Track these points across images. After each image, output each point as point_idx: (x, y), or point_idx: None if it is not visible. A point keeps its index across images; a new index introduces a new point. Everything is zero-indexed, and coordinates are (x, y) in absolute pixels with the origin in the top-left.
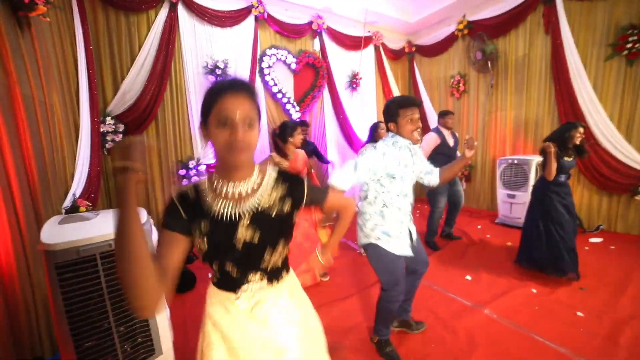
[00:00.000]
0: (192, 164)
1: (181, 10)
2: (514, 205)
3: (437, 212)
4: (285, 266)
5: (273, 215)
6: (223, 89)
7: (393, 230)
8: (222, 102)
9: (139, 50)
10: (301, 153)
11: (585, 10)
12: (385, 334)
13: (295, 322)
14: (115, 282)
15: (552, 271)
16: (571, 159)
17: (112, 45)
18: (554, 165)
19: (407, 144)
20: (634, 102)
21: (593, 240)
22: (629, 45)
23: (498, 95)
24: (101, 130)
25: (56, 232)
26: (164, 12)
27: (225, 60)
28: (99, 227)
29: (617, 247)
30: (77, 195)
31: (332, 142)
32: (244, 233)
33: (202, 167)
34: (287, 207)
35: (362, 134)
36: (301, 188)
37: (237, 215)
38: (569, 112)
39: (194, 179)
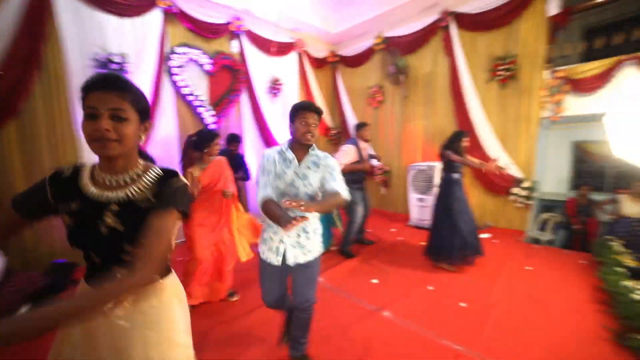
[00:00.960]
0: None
1: None
2: (423, 208)
3: (356, 223)
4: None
5: (142, 208)
6: (91, 84)
7: (265, 234)
8: (90, 97)
9: None
10: (219, 161)
11: (471, 39)
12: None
13: (152, 330)
14: None
15: (460, 258)
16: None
17: None
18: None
19: (290, 157)
20: (506, 120)
21: (482, 235)
22: (500, 73)
23: (410, 107)
24: None
25: None
26: None
27: (122, 54)
28: None
29: (500, 241)
30: None
31: (251, 148)
32: (110, 219)
33: None
34: (149, 205)
35: (283, 139)
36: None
37: (104, 200)
38: (465, 124)
39: None
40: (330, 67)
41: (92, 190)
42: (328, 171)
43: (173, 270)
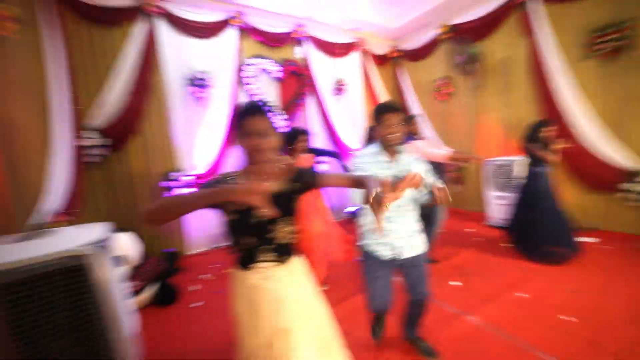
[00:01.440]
0: (174, 175)
1: (160, 23)
2: (503, 206)
3: (438, 224)
4: (293, 249)
5: (286, 196)
6: (247, 112)
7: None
8: (249, 121)
9: (118, 63)
10: (306, 159)
11: (559, 12)
12: (374, 334)
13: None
14: (65, 300)
15: (545, 255)
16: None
17: (88, 59)
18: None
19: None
20: (613, 101)
21: (586, 239)
22: (602, 46)
23: (483, 97)
24: (84, 144)
25: (5, 252)
26: (142, 26)
27: (207, 71)
28: (54, 245)
29: (610, 247)
30: (53, 211)
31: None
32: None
33: (189, 178)
34: (294, 194)
35: (349, 139)
36: (304, 182)
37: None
38: (552, 111)
39: (175, 190)
40: (393, 63)
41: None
42: (424, 169)
43: None
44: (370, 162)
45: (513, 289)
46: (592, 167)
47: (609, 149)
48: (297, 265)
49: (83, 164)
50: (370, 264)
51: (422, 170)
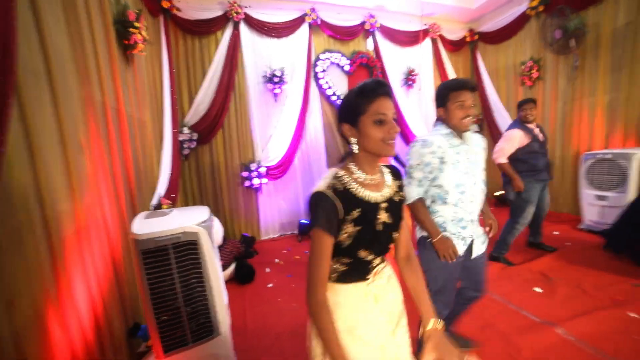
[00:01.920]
0: (253, 166)
1: (243, 28)
2: (606, 208)
3: (521, 225)
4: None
5: (397, 201)
6: (376, 91)
7: (450, 221)
8: (379, 105)
9: (209, 66)
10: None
11: None
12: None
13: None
14: (184, 269)
15: None
16: None
17: (188, 66)
18: None
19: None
20: None
21: None
22: None
23: (584, 79)
24: (180, 139)
25: (142, 225)
26: (228, 31)
27: (281, 68)
28: (172, 222)
29: None
30: (162, 195)
31: None
32: (383, 216)
33: (263, 169)
34: (400, 197)
35: (419, 132)
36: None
37: (378, 201)
38: None
39: (255, 180)
40: (469, 48)
41: (369, 194)
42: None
43: None
44: (445, 148)
45: (616, 306)
46: None
47: None
48: (388, 266)
49: (180, 155)
50: (448, 272)
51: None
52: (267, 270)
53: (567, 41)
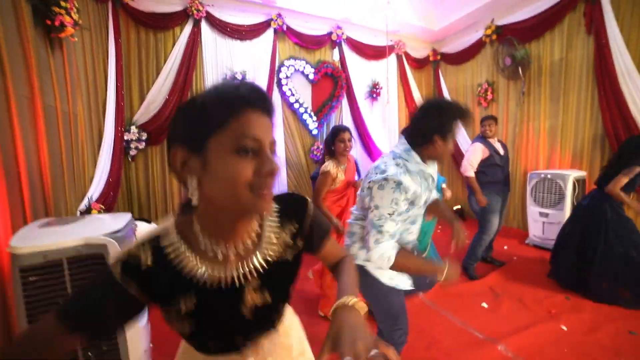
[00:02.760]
0: None
1: (204, 26)
2: (546, 224)
3: (487, 235)
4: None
5: (290, 261)
6: (247, 99)
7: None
8: (248, 119)
9: (164, 63)
10: (352, 160)
11: (637, 6)
12: None
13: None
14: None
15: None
16: None
17: (141, 60)
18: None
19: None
20: None
21: None
22: None
23: (530, 104)
24: (125, 138)
25: (27, 237)
26: (188, 28)
27: (243, 71)
28: (75, 232)
29: None
30: (94, 199)
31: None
32: (251, 299)
33: None
34: (297, 251)
35: (382, 144)
36: (304, 216)
37: (235, 282)
38: (617, 120)
39: None
40: (432, 67)
41: (214, 272)
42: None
43: None
44: (418, 191)
45: (551, 320)
46: None
47: None
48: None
49: (125, 156)
50: (400, 298)
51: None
52: None
53: (516, 68)
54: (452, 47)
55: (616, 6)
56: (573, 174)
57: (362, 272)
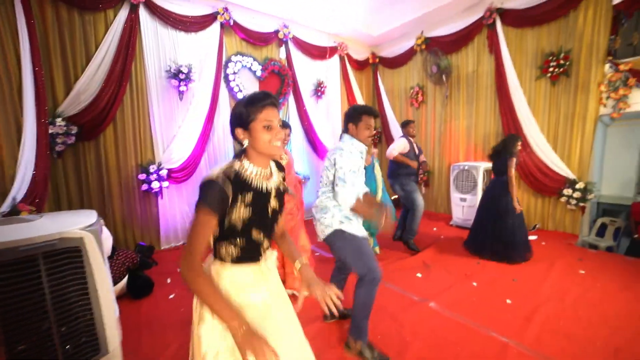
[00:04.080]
0: (152, 168)
1: (143, 13)
2: (466, 208)
3: (419, 210)
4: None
5: (282, 191)
6: (264, 102)
7: (353, 215)
8: (267, 113)
9: (96, 50)
10: (289, 154)
11: (518, 36)
12: (365, 335)
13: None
14: (61, 282)
15: (505, 256)
16: None
17: (64, 44)
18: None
19: (360, 149)
20: (557, 117)
21: (530, 237)
22: (550, 69)
23: (452, 106)
24: (50, 132)
25: None
26: (123, 13)
27: (189, 65)
28: (43, 227)
29: (548, 243)
30: (18, 200)
31: (297, 149)
32: (273, 203)
33: (164, 172)
34: (284, 187)
35: (326, 140)
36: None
37: (269, 190)
38: (511, 124)
39: (155, 184)
40: (371, 69)
41: (261, 183)
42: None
43: None
44: (359, 158)
45: (467, 280)
46: (540, 174)
47: (554, 159)
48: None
49: (50, 151)
50: (358, 239)
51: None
52: (168, 280)
53: (440, 75)
54: (389, 52)
55: (505, 33)
56: (483, 165)
57: (340, 232)
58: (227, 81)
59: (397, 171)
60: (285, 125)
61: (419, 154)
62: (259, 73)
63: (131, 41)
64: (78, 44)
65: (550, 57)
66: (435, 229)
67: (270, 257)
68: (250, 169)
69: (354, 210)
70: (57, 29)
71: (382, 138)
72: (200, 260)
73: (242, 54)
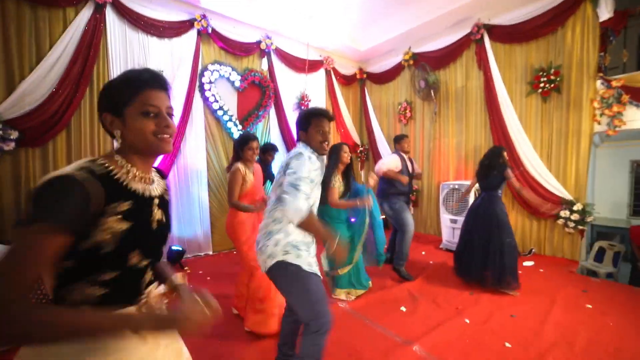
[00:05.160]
0: None
1: (110, 14)
2: (456, 230)
3: (409, 232)
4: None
5: (167, 201)
6: (147, 81)
7: (302, 242)
8: (149, 95)
9: (50, 49)
10: (258, 170)
11: (507, 51)
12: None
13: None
14: None
15: (495, 281)
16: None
17: (8, 38)
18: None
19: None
20: (550, 134)
21: (526, 263)
22: (541, 85)
23: (441, 123)
24: None
25: None
26: (87, 12)
27: (160, 71)
28: None
29: (547, 270)
30: None
31: (278, 164)
32: (157, 213)
33: None
34: (168, 197)
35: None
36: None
37: (152, 195)
38: (502, 141)
39: None
40: (358, 84)
41: (141, 186)
42: None
43: None
44: (318, 168)
45: (458, 315)
46: (535, 195)
47: (549, 178)
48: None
49: None
50: (306, 275)
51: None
52: None
53: (429, 91)
54: (377, 67)
55: (494, 49)
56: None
57: (283, 265)
58: (202, 90)
59: (387, 190)
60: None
61: (413, 173)
62: (237, 84)
63: (94, 43)
64: (26, 41)
65: (541, 73)
66: (423, 252)
67: (155, 297)
68: (126, 168)
69: (303, 226)
70: (8, 24)
71: (370, 156)
72: (25, 294)
73: (220, 63)
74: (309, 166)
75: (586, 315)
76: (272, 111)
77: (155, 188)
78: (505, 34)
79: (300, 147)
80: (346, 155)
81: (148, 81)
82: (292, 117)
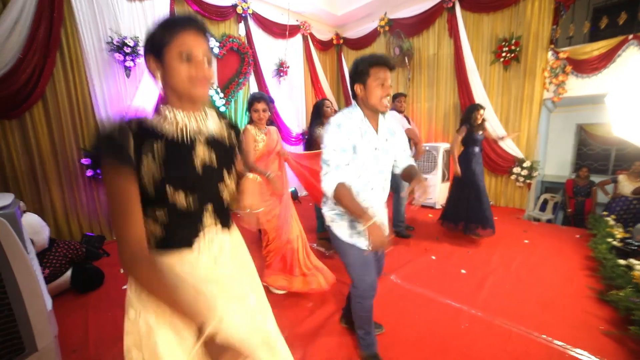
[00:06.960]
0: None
1: None
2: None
3: (403, 197)
4: (231, 213)
5: (227, 146)
6: (184, 23)
7: (342, 214)
8: (185, 38)
9: (4, 7)
10: (273, 130)
11: (476, 21)
12: (370, 346)
13: (251, 274)
14: None
15: (474, 228)
16: (480, 133)
17: None
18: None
19: (361, 117)
20: (509, 100)
21: None
22: (503, 54)
23: (414, 89)
24: None
25: None
26: None
27: (135, 37)
28: None
29: (499, 218)
30: None
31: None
32: (201, 153)
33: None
34: (231, 142)
35: (290, 122)
36: (237, 134)
37: (193, 137)
38: (468, 104)
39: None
40: (335, 50)
41: (176, 128)
42: (402, 140)
43: None
44: (357, 137)
45: (426, 253)
46: (494, 154)
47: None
48: (239, 239)
49: None
50: (344, 244)
51: (403, 137)
52: (122, 271)
53: (403, 58)
54: (353, 33)
55: (464, 17)
56: (442, 146)
57: (331, 231)
58: None
59: None
60: (258, 98)
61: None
62: (216, 50)
63: (55, 3)
64: None
65: (503, 43)
66: None
67: (219, 241)
68: (169, 117)
69: (336, 199)
70: None
71: None
72: (138, 238)
73: None
74: (337, 136)
75: (522, 247)
76: (252, 79)
77: (203, 127)
78: (474, 3)
79: (342, 111)
80: (329, 110)
81: (185, 23)
82: (271, 85)
